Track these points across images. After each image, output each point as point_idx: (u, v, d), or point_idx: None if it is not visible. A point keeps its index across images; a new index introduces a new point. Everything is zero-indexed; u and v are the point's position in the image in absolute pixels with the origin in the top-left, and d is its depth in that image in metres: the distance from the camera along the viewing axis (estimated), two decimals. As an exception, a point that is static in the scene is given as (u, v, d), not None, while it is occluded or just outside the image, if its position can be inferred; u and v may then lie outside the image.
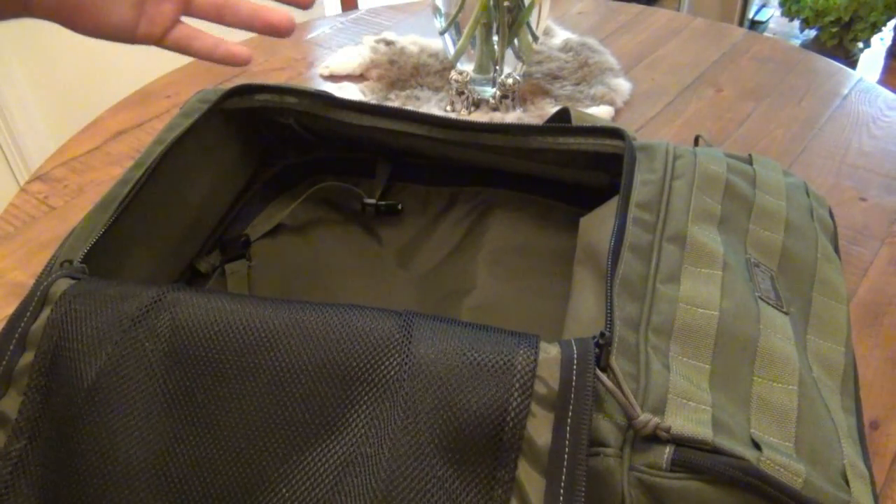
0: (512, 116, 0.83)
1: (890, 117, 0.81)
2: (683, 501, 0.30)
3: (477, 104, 0.84)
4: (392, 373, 0.32)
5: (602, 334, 0.33)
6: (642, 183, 0.44)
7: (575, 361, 0.32)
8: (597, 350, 0.32)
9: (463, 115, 0.84)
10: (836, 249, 0.46)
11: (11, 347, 0.36)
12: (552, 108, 0.83)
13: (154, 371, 0.34)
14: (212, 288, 0.56)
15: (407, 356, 0.32)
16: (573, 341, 0.33)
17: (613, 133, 0.49)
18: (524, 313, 0.53)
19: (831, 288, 0.42)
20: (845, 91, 0.86)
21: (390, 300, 0.56)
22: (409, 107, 0.85)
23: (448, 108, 0.85)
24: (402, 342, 0.33)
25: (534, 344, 0.32)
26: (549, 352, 0.32)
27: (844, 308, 0.41)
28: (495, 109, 0.84)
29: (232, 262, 0.57)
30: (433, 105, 0.85)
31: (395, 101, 0.86)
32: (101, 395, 0.34)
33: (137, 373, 0.34)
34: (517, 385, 0.31)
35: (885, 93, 0.85)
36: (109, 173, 0.76)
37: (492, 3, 0.77)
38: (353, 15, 1.08)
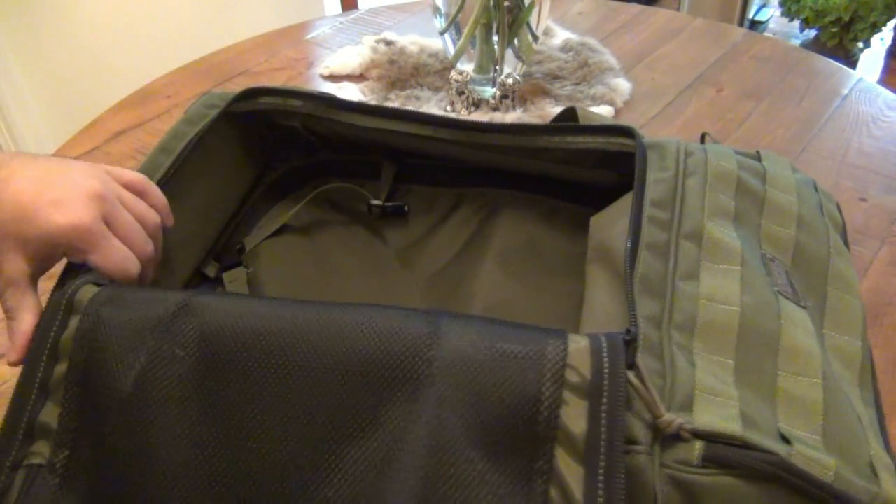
0: (512, 116, 0.83)
1: (890, 117, 0.81)
2: (716, 497, 0.30)
3: (477, 104, 0.84)
4: (423, 369, 0.32)
5: (628, 331, 0.33)
6: (655, 181, 0.44)
7: (605, 351, 0.31)
8: (623, 346, 0.32)
9: (463, 115, 0.84)
10: (846, 244, 0.46)
11: (44, 358, 0.36)
12: (552, 108, 0.83)
13: (187, 377, 0.34)
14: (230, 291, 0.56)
15: (437, 351, 0.32)
16: (601, 334, 0.33)
17: (623, 131, 0.49)
18: (535, 313, 0.52)
19: (845, 281, 0.42)
20: (845, 91, 0.86)
21: (398, 302, 0.56)
22: (409, 107, 0.85)
23: (448, 108, 0.85)
24: (432, 338, 0.33)
25: (562, 335, 0.32)
26: (579, 342, 0.32)
27: (858, 301, 0.41)
28: (495, 109, 0.84)
29: (229, 271, 0.57)
30: (433, 105, 0.85)
31: (394, 101, 0.86)
32: (138, 404, 0.34)
33: (171, 380, 0.34)
34: (549, 374, 0.31)
35: (885, 93, 0.86)
36: (109, 175, 0.75)
37: (492, 3, 0.77)
38: (353, 15, 1.08)
